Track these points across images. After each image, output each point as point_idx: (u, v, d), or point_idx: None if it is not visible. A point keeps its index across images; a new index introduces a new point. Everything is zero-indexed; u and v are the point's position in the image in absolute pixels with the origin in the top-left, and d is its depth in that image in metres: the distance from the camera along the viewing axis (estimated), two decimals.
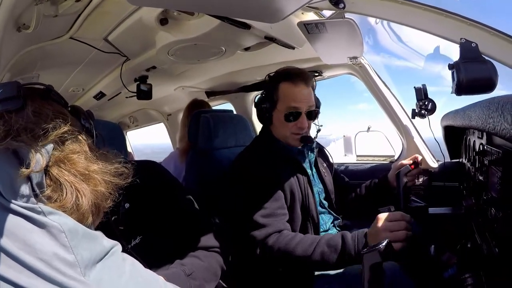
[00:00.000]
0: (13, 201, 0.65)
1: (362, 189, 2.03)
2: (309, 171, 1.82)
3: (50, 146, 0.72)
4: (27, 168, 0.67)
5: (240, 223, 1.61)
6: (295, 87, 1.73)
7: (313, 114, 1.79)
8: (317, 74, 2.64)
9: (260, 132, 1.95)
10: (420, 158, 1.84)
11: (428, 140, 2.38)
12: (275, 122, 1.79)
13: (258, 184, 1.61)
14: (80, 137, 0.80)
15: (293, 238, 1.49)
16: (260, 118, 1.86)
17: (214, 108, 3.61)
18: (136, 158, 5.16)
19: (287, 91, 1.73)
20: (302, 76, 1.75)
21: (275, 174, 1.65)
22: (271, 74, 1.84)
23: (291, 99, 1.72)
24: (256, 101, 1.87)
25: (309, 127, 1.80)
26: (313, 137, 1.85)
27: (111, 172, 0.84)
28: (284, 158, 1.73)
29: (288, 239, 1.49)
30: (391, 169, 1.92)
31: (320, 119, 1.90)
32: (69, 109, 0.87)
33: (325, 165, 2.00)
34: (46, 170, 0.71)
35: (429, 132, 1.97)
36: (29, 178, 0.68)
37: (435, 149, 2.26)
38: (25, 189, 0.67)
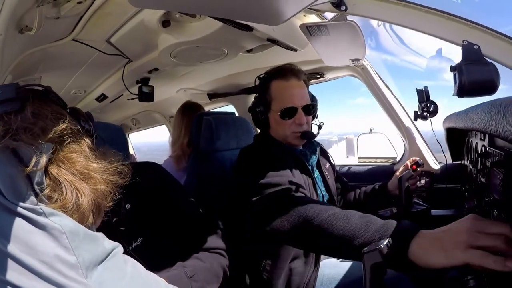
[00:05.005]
0: (14, 201, 0.65)
1: (361, 195, 2.02)
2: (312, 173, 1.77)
3: (49, 145, 0.72)
4: (26, 167, 0.67)
5: (241, 222, 1.60)
6: (287, 82, 1.68)
7: (310, 109, 1.71)
8: (319, 76, 2.64)
9: (258, 135, 1.88)
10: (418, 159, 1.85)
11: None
12: (272, 124, 1.73)
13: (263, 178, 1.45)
14: (79, 137, 0.81)
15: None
16: (256, 123, 1.80)
17: (216, 110, 3.62)
18: (136, 156, 5.19)
19: (279, 88, 1.68)
20: (292, 71, 1.71)
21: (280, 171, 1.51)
22: (261, 76, 1.80)
23: (285, 96, 1.66)
24: (250, 106, 1.81)
25: (308, 123, 1.72)
26: (314, 134, 1.75)
27: (111, 170, 0.84)
28: (287, 159, 1.61)
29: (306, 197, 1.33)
30: (393, 178, 1.91)
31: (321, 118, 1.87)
32: (68, 110, 0.88)
33: (327, 166, 1.97)
34: (46, 170, 0.71)
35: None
36: (29, 177, 0.68)
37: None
38: (25, 188, 0.67)
